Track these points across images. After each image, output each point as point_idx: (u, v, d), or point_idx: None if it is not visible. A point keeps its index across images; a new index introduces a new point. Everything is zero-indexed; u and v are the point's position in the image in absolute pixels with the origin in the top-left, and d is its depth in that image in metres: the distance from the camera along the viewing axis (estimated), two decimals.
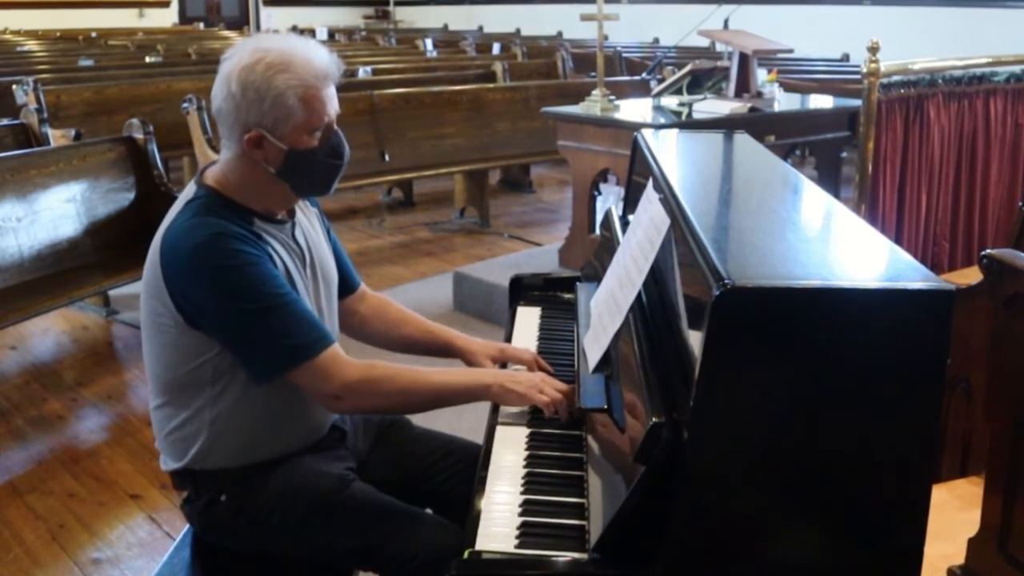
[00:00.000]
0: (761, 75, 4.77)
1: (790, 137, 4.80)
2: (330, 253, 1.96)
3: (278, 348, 1.66)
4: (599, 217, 4.51)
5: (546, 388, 1.77)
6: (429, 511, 1.86)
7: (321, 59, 1.71)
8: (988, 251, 1.66)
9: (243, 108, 1.67)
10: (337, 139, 1.77)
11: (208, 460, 1.77)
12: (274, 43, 1.70)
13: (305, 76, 1.67)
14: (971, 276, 2.42)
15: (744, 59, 4.58)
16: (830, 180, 5.02)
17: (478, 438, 1.80)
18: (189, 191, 1.77)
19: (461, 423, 2.50)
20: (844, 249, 1.46)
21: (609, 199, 4.46)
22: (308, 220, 1.92)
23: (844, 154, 5.58)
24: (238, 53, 1.70)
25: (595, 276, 2.07)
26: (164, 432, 1.80)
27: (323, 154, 1.74)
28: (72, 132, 4.85)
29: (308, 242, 1.86)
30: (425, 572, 1.65)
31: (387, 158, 6.07)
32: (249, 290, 1.64)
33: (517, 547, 1.41)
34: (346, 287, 2.03)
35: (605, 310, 1.76)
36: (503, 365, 2.00)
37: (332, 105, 1.74)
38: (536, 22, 14.52)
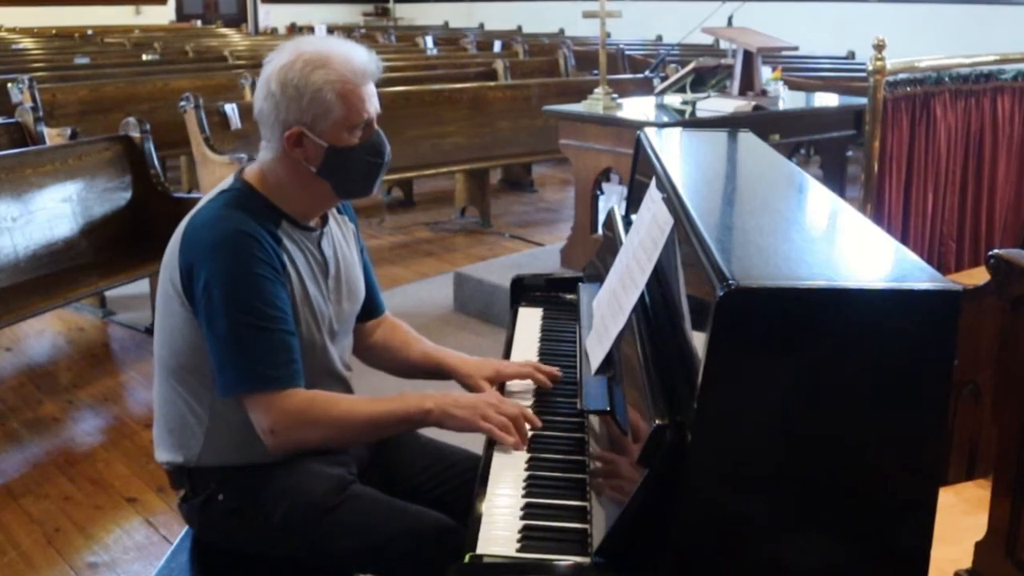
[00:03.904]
0: (765, 73, 4.75)
1: (795, 136, 4.80)
2: (360, 272, 1.95)
3: (247, 369, 1.65)
4: (601, 217, 4.49)
5: (490, 412, 1.69)
6: None
7: (359, 57, 1.73)
8: (995, 251, 1.67)
9: (283, 106, 1.69)
10: (378, 137, 1.79)
11: (204, 456, 1.76)
12: (312, 43, 1.73)
13: (343, 72, 1.69)
14: (978, 276, 2.41)
15: (748, 57, 4.56)
16: (835, 179, 5.00)
17: (480, 440, 1.77)
18: (226, 182, 1.80)
19: None
20: (850, 249, 1.45)
21: (612, 198, 4.44)
22: (342, 234, 1.92)
23: (850, 153, 5.57)
24: (277, 56, 1.73)
25: (597, 276, 2.05)
26: (163, 421, 1.80)
27: (364, 152, 1.76)
28: (68, 131, 4.83)
29: (336, 254, 1.86)
30: (426, 574, 1.62)
31: None
32: (250, 301, 1.65)
33: (519, 551, 1.40)
34: (369, 311, 2.02)
35: (607, 311, 1.74)
36: (500, 385, 1.93)
37: (372, 103, 1.75)
38: (538, 19, 14.51)
